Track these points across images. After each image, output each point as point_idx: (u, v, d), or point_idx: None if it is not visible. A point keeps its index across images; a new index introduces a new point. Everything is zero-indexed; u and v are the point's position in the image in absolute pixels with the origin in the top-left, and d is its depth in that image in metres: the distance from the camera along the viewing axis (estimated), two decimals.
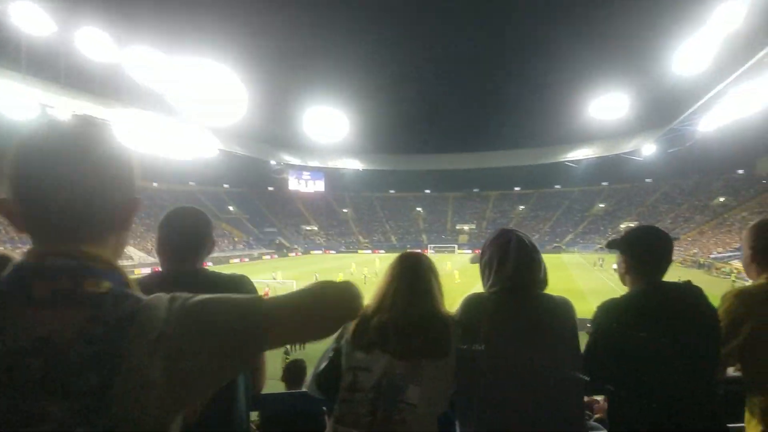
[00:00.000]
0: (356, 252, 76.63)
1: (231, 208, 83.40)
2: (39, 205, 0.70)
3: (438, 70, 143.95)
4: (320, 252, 77.47)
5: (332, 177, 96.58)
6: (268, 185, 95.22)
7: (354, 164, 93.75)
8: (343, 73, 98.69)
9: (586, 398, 3.18)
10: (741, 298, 1.74)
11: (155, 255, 1.71)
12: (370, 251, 75.37)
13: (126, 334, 0.66)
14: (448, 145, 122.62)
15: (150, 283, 1.48)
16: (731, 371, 1.87)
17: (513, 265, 1.57)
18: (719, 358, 1.62)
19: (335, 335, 1.59)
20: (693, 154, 67.07)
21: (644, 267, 1.71)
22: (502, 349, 1.47)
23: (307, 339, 0.94)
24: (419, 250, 2.10)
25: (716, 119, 50.56)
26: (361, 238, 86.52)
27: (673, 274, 1.70)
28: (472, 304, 1.61)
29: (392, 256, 1.78)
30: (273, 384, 4.83)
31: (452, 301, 1.57)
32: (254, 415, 3.40)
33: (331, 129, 78.44)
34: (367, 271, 37.95)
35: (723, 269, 38.70)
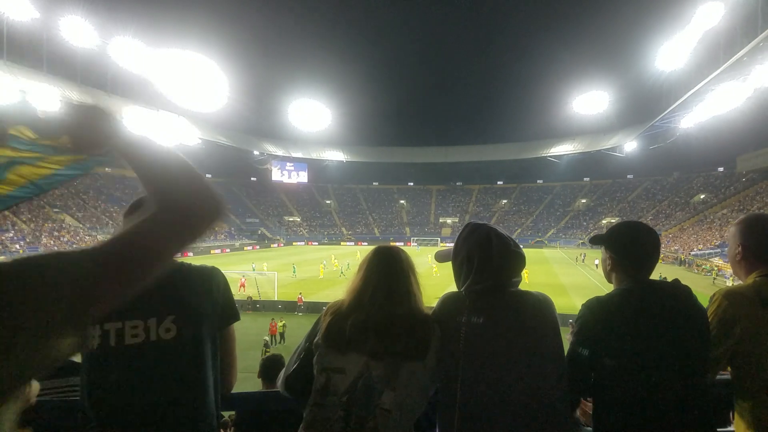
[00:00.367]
0: (339, 244, 76.48)
1: None
2: None
3: (424, 64, 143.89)
4: (303, 243, 77.21)
5: (316, 168, 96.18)
6: (250, 176, 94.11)
7: (338, 156, 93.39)
8: (328, 64, 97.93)
9: None
10: (731, 299, 1.65)
11: None
12: (353, 243, 75.32)
13: None
14: (431, 138, 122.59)
15: None
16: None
17: (497, 262, 1.48)
18: (709, 360, 1.57)
19: (307, 333, 1.53)
20: (674, 151, 68.43)
21: (631, 264, 1.63)
22: (482, 351, 1.41)
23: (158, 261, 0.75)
24: (396, 243, 1.82)
25: (697, 117, 51.40)
26: (344, 229, 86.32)
27: (654, 271, 1.65)
28: (451, 303, 1.53)
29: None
30: (250, 379, 4.56)
31: (431, 295, 1.52)
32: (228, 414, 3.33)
33: (315, 120, 77.92)
34: (347, 263, 37.83)
35: (704, 266, 39.37)
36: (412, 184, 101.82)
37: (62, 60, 43.14)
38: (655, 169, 79.93)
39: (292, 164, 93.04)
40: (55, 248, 45.56)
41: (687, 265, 42.57)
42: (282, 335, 19.30)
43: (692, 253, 46.52)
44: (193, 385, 1.43)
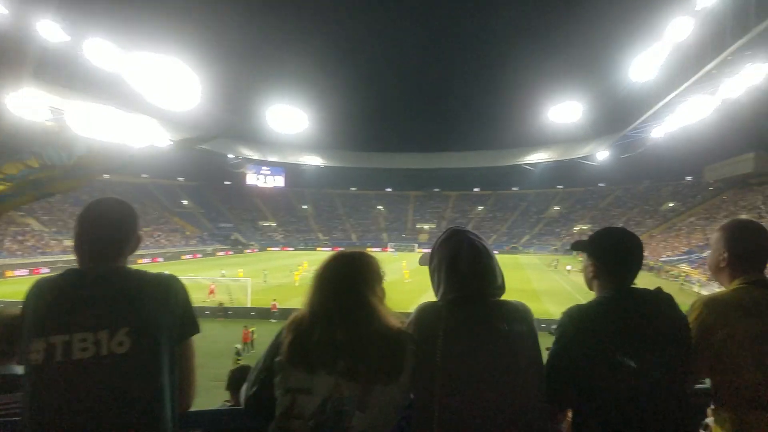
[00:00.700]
0: (315, 249, 75.51)
1: (185, 201, 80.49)
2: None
3: (400, 70, 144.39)
4: (278, 249, 76.14)
5: (292, 173, 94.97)
6: (224, 179, 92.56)
7: (315, 160, 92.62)
8: (304, 68, 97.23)
9: None
10: (711, 306, 1.60)
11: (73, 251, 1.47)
12: (329, 248, 74.52)
13: None
14: (409, 144, 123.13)
15: (64, 284, 1.33)
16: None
17: (465, 271, 1.44)
18: (690, 369, 1.55)
19: (266, 350, 1.44)
20: (644, 160, 70.28)
21: (615, 271, 1.59)
22: (459, 365, 1.35)
23: None
24: (372, 250, 1.51)
25: (667, 127, 52.81)
26: (320, 235, 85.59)
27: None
28: (426, 315, 1.45)
29: None
30: (219, 388, 4.25)
31: (403, 302, 1.30)
32: None
33: (292, 123, 77.20)
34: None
35: (671, 272, 40.39)
36: (390, 189, 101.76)
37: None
38: (626, 177, 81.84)
39: (268, 168, 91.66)
40: (19, 253, 44.13)
41: (656, 270, 43.50)
42: (251, 343, 18.77)
43: (661, 259, 47.56)
44: (148, 403, 1.28)
